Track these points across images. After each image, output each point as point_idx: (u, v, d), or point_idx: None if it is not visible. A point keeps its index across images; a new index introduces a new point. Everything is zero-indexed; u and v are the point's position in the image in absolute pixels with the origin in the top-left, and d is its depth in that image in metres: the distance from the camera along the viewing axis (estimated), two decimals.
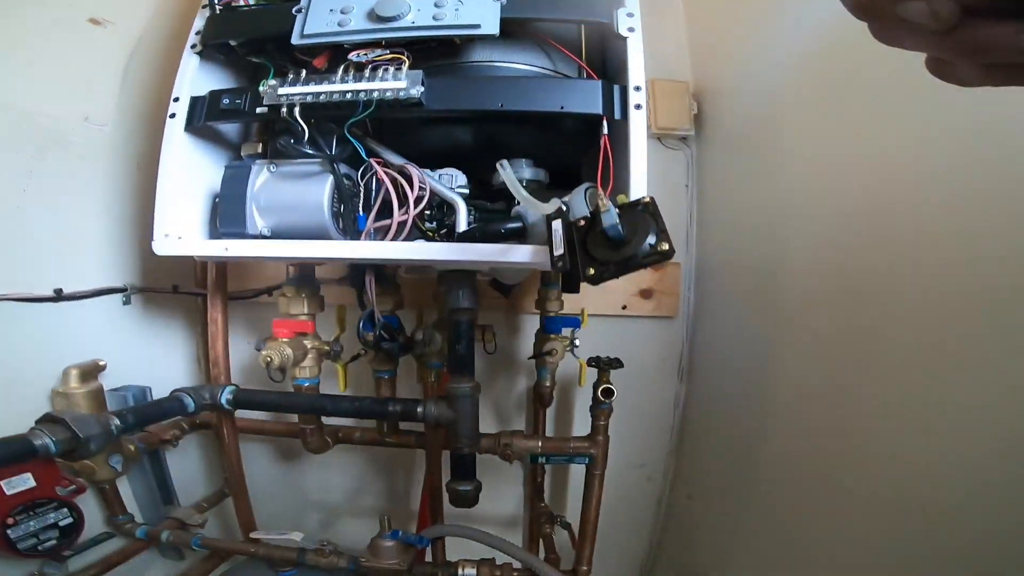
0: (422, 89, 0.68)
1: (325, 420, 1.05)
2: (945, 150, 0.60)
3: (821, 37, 0.79)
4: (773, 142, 0.90)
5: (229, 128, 0.89)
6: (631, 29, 0.71)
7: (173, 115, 0.79)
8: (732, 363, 1.04)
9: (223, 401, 0.90)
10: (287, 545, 0.99)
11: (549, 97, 0.71)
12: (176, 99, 0.79)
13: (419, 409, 0.81)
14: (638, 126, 0.70)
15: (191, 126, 0.79)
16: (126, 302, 1.07)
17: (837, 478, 0.74)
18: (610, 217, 0.57)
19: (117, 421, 0.78)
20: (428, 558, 1.06)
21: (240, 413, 1.03)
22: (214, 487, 1.28)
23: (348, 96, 0.68)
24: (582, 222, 0.62)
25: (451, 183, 0.78)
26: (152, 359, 1.13)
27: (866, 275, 0.71)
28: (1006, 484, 0.52)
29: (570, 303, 1.01)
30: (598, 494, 1.00)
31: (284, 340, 0.90)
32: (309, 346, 0.92)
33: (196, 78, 0.81)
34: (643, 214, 0.59)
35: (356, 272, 0.81)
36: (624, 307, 1.15)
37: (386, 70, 0.69)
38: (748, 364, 0.98)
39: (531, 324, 1.19)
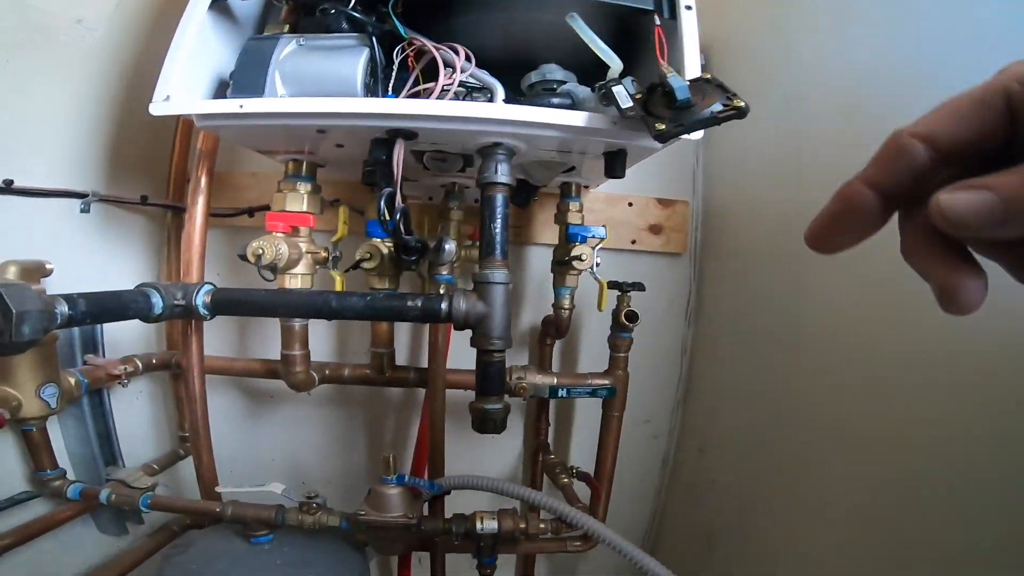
0: None
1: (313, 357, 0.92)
2: None
3: None
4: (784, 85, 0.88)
5: (248, 16, 0.78)
6: None
7: None
8: (744, 305, 0.98)
9: (198, 303, 0.73)
10: (263, 504, 0.83)
11: None
12: None
13: (443, 304, 0.69)
14: (690, 24, 0.66)
15: (219, 2, 0.69)
16: (84, 210, 0.89)
17: (869, 427, 0.67)
18: (678, 80, 0.54)
19: (65, 307, 0.57)
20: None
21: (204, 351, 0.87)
22: (167, 449, 1.09)
23: None
24: (639, 96, 0.58)
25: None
26: (106, 278, 0.95)
27: None
28: None
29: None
30: (616, 438, 0.91)
31: (278, 235, 0.77)
32: (305, 248, 0.78)
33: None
34: (707, 84, 0.56)
35: (378, 150, 0.70)
36: (633, 241, 1.08)
37: None
38: (762, 306, 0.91)
39: (535, 255, 1.11)
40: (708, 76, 0.57)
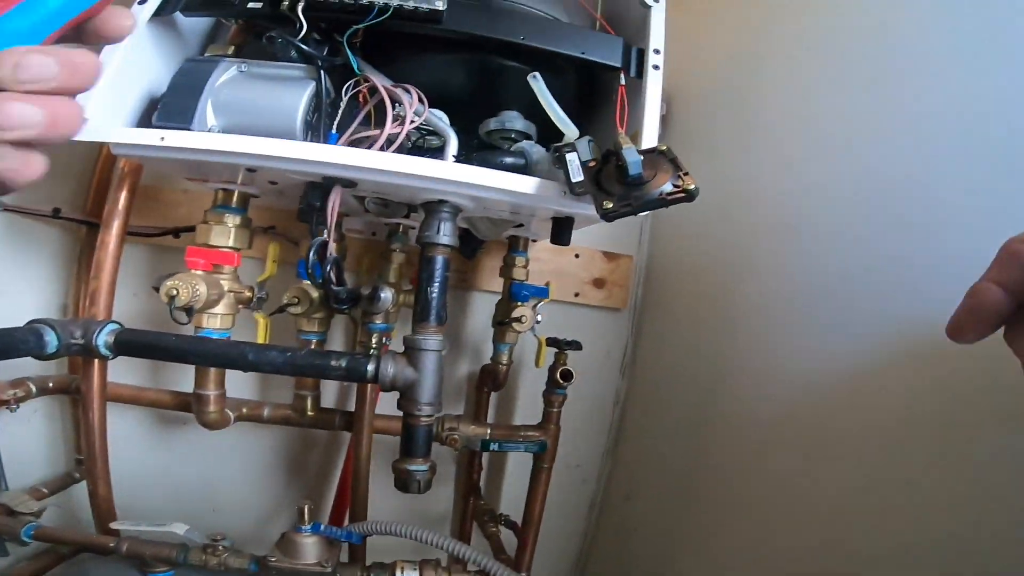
0: (445, 4, 0.59)
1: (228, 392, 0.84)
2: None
3: None
4: (738, 140, 0.88)
5: (193, 31, 0.71)
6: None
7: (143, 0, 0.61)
8: (676, 362, 0.98)
9: (99, 343, 0.65)
10: (164, 541, 0.75)
11: (571, 41, 0.65)
12: None
13: (370, 366, 0.64)
14: (654, 84, 0.65)
15: (161, 14, 0.62)
16: None
17: (784, 484, 0.69)
18: (632, 153, 0.52)
19: None
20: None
21: (109, 376, 0.78)
22: (59, 470, 0.98)
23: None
24: (592, 163, 0.57)
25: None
26: (4, 297, 0.84)
27: (823, 279, 0.69)
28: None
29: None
30: (544, 489, 0.88)
31: (198, 273, 0.69)
32: (227, 287, 0.71)
33: None
34: (661, 157, 0.55)
35: (313, 194, 0.65)
36: (577, 294, 1.06)
37: None
38: (692, 364, 0.92)
39: (479, 301, 1.07)
40: (663, 148, 0.56)
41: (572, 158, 0.57)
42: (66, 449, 1.01)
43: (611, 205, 0.53)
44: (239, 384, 1.01)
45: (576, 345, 0.86)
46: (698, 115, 1.00)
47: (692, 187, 0.51)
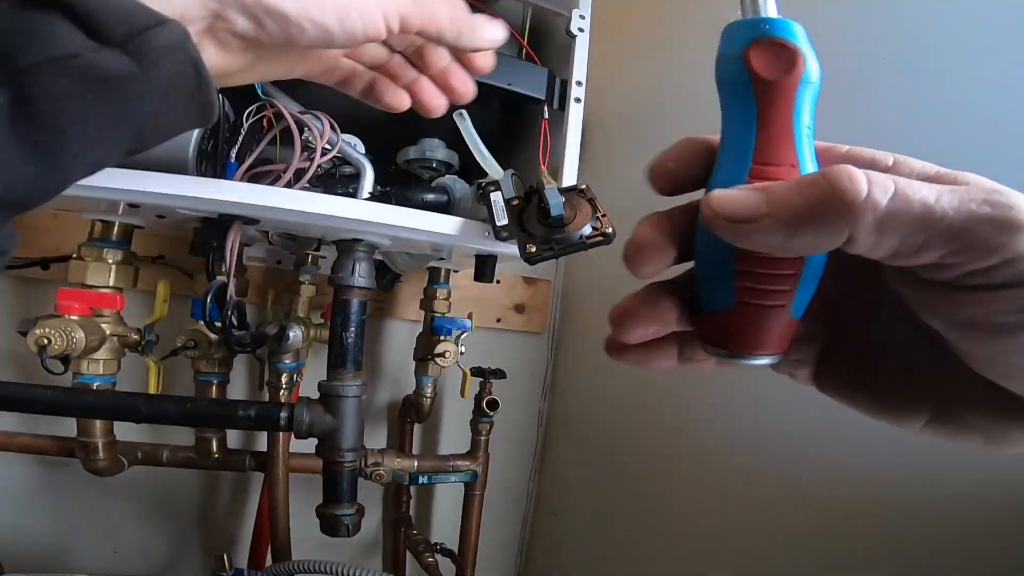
0: None
1: (118, 434, 0.73)
2: None
3: None
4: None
5: None
6: (580, 29, 0.64)
7: None
8: (593, 381, 0.98)
9: None
10: None
11: (499, 71, 0.58)
12: None
13: (283, 414, 0.57)
14: (575, 118, 0.62)
15: None
16: None
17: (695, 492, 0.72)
18: (554, 195, 0.50)
19: None
20: None
21: None
22: None
23: None
24: (515, 201, 0.53)
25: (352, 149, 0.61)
26: None
27: None
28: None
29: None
30: (478, 516, 0.85)
31: (73, 318, 0.59)
32: (109, 331, 0.61)
33: None
34: (581, 197, 0.53)
35: (209, 232, 0.56)
36: (499, 320, 1.02)
37: None
38: (609, 383, 0.92)
39: (398, 330, 1.00)
40: (583, 187, 0.53)
41: (496, 198, 0.53)
42: None
43: (534, 250, 0.50)
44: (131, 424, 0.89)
45: (500, 374, 0.83)
46: (613, 140, 0.99)
47: (610, 230, 0.50)
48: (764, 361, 0.22)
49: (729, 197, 0.18)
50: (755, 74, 0.20)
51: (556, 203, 0.50)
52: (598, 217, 0.51)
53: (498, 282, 1.02)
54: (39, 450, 0.80)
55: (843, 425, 0.53)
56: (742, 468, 0.66)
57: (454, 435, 1.01)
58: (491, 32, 0.34)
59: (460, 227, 0.55)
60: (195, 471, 0.92)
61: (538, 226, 0.51)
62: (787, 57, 0.20)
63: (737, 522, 0.66)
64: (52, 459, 0.88)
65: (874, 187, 0.16)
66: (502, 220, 0.52)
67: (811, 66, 0.20)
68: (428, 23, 0.31)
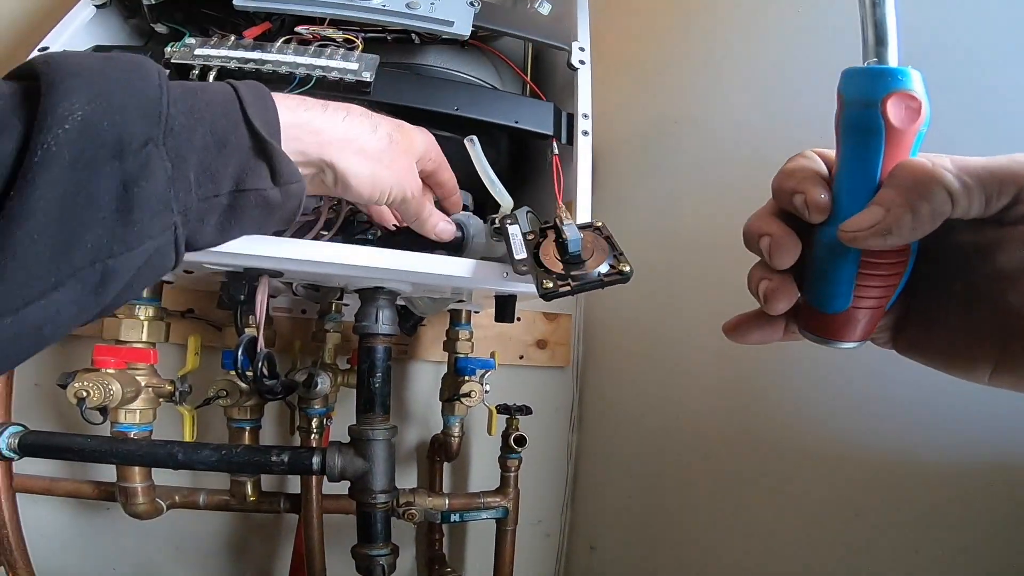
0: (373, 75, 0.54)
1: (156, 479, 0.74)
2: None
3: None
4: (666, 193, 0.87)
5: None
6: (582, 62, 0.65)
7: None
8: (623, 412, 0.95)
9: (2, 447, 0.57)
10: None
11: (505, 110, 0.60)
12: (44, 49, 0.53)
13: (315, 459, 0.57)
14: (585, 151, 0.61)
15: None
16: None
17: (747, 518, 0.67)
18: (573, 230, 0.49)
19: None
20: None
21: (18, 466, 0.67)
22: None
23: (284, 69, 0.51)
24: (530, 236, 0.53)
25: None
26: None
27: None
28: None
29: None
30: (511, 552, 0.82)
31: (109, 372, 0.61)
32: (144, 383, 0.62)
33: (83, 29, 0.56)
34: (597, 234, 0.52)
35: (235, 286, 0.58)
36: (521, 357, 1.01)
37: (336, 49, 0.54)
38: (639, 413, 0.89)
39: (423, 371, 1.00)
40: (599, 224, 0.52)
41: (515, 231, 0.52)
42: None
43: (551, 285, 0.48)
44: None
45: (526, 410, 0.81)
46: (624, 171, 0.99)
47: (627, 269, 0.49)
48: (858, 345, 0.27)
49: (857, 219, 0.23)
50: (889, 123, 0.22)
51: (575, 239, 0.49)
52: (616, 256, 0.50)
53: (519, 319, 1.02)
54: (81, 495, 0.82)
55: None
56: (783, 492, 0.63)
57: (483, 472, 0.99)
58: (438, 230, 0.52)
59: (476, 269, 0.54)
60: (231, 513, 0.94)
61: (555, 262, 0.51)
62: (915, 108, 0.22)
63: (782, 557, 0.62)
64: (93, 502, 0.91)
65: (932, 157, 0.22)
66: (520, 253, 0.51)
67: (930, 114, 0.23)
68: (401, 210, 0.49)
